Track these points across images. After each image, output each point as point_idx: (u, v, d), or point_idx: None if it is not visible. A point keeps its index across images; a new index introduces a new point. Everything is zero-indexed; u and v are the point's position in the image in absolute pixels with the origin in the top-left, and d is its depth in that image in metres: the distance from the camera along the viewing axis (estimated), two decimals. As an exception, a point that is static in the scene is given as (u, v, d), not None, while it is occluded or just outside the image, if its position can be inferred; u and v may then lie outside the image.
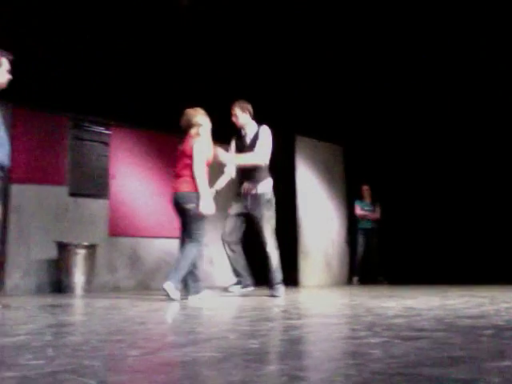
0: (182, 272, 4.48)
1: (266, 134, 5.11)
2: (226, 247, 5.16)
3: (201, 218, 4.66)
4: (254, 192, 5.08)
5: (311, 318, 2.94)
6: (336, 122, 8.58)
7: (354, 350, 1.75)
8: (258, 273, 5.37)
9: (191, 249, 4.57)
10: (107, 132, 7.47)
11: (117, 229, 7.33)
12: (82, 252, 6.40)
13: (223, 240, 5.18)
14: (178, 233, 7.42)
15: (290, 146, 8.26)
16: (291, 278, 7.87)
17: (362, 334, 2.11)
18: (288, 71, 7.74)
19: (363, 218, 8.68)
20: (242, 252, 5.21)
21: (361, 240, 8.68)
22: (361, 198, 8.85)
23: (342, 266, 8.77)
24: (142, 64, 7.18)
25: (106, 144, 7.44)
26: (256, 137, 5.14)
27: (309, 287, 7.55)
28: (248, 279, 5.19)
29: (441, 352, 1.65)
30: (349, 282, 8.65)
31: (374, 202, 8.79)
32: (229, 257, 5.18)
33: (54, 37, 6.38)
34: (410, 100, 8.22)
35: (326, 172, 8.76)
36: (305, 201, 8.22)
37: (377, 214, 8.73)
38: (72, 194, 7.01)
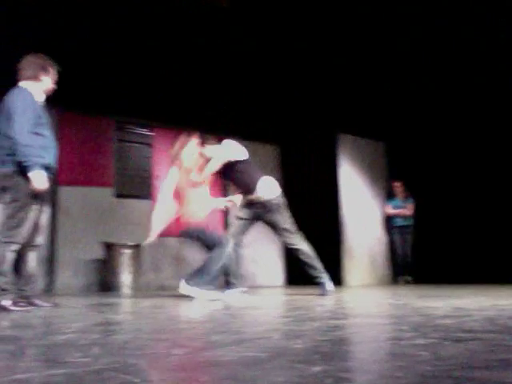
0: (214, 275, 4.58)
1: (218, 150, 5.23)
2: (231, 249, 5.14)
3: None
4: (260, 200, 5.07)
5: (356, 318, 2.89)
6: (378, 118, 8.44)
7: (400, 351, 1.70)
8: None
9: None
10: (150, 133, 7.58)
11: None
12: (127, 252, 6.52)
13: (228, 240, 5.19)
14: (220, 233, 7.42)
15: (333, 144, 8.19)
16: (335, 277, 7.80)
17: (409, 334, 2.05)
18: (329, 69, 7.67)
19: (395, 215, 8.49)
20: (240, 256, 5.22)
21: (397, 238, 8.49)
22: (392, 195, 8.65)
23: (387, 265, 8.62)
24: (184, 66, 7.25)
25: (150, 145, 7.56)
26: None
27: (353, 287, 7.46)
28: (240, 282, 5.17)
29: (493, 354, 1.58)
30: (394, 281, 8.50)
31: (406, 199, 8.56)
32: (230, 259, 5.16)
33: (98, 41, 6.52)
34: (452, 96, 8.00)
35: (369, 169, 8.64)
36: (348, 199, 8.13)
37: (408, 211, 8.51)
38: (117, 195, 7.16)
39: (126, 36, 6.57)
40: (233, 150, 5.17)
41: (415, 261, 8.39)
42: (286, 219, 5.03)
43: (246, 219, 5.18)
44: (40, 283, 6.46)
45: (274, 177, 8.64)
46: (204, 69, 7.38)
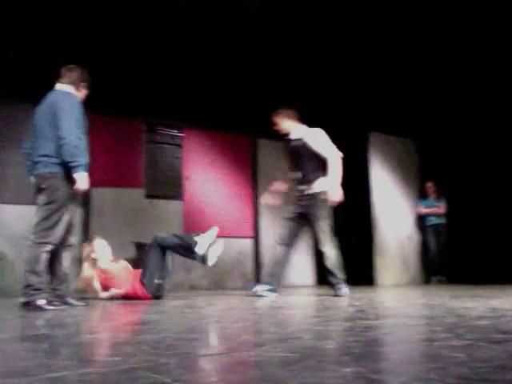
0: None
1: (315, 136, 5.09)
2: (278, 249, 5.16)
3: None
4: (309, 192, 5.03)
5: (388, 319, 2.85)
6: (409, 116, 8.31)
7: (434, 352, 1.67)
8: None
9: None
10: (180, 134, 7.64)
11: (191, 229, 7.47)
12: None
13: (278, 242, 5.23)
14: (252, 233, 7.50)
15: (364, 142, 8.11)
16: (367, 276, 7.73)
17: (444, 335, 2.01)
18: (359, 67, 7.59)
19: (428, 214, 8.37)
20: (288, 257, 5.17)
21: (431, 237, 8.36)
22: (425, 195, 8.53)
23: (419, 264, 8.50)
24: (213, 66, 7.28)
25: (179, 146, 7.62)
26: (302, 140, 5.10)
27: (385, 286, 7.37)
28: (279, 285, 5.13)
29: (531, 356, 1.53)
30: (427, 281, 8.37)
31: (439, 199, 8.43)
32: (274, 257, 5.18)
33: (127, 44, 6.59)
34: (487, 94, 7.82)
35: (401, 168, 8.52)
36: (380, 198, 8.04)
37: (440, 210, 8.37)
38: (148, 196, 7.23)
39: (155, 38, 6.63)
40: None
41: (448, 260, 8.25)
42: (325, 219, 4.96)
43: (293, 218, 5.15)
44: (73, 283, 6.58)
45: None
46: (234, 69, 7.39)
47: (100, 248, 5.12)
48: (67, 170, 3.68)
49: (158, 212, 7.28)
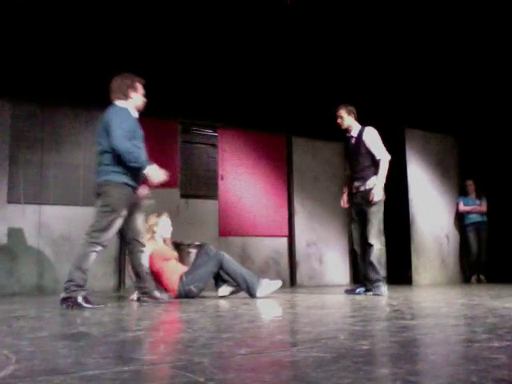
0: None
1: (372, 135, 5.18)
2: (356, 251, 5.27)
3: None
4: (362, 189, 5.14)
5: (426, 319, 2.79)
6: (447, 111, 8.13)
7: (474, 354, 1.62)
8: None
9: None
10: (214, 134, 7.68)
11: (226, 228, 7.51)
12: (194, 251, 6.62)
13: (354, 247, 5.34)
14: (286, 232, 7.44)
15: (400, 139, 7.97)
16: (404, 276, 7.61)
17: (484, 336, 1.95)
18: (394, 62, 7.47)
19: (469, 212, 8.18)
20: (364, 259, 5.19)
21: (471, 235, 8.17)
22: (465, 194, 8.34)
23: (458, 263, 8.32)
24: (246, 65, 7.28)
25: (214, 146, 7.66)
26: (360, 137, 5.21)
27: (423, 286, 7.24)
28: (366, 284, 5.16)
29: None
30: (466, 280, 8.19)
31: (479, 197, 8.22)
32: (359, 260, 5.26)
33: (162, 45, 6.66)
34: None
35: (439, 165, 8.35)
36: (417, 196, 7.91)
37: (482, 208, 8.17)
38: (183, 196, 7.30)
39: (189, 38, 6.68)
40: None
41: (488, 259, 8.05)
42: (378, 216, 5.01)
43: (354, 219, 5.26)
44: (111, 282, 6.69)
45: (340, 175, 8.61)
46: (267, 68, 7.39)
47: (164, 224, 5.19)
48: (121, 177, 3.95)
49: (194, 211, 7.34)
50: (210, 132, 7.66)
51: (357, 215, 5.22)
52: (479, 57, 7.25)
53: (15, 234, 6.17)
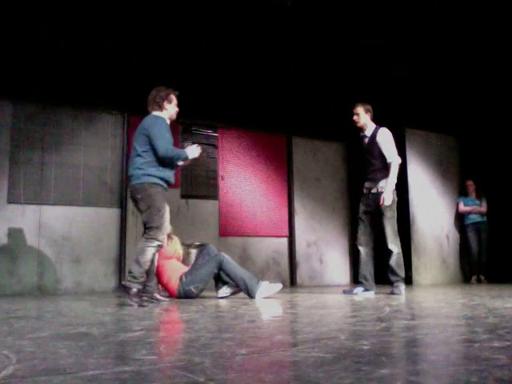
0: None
1: (386, 136, 5.19)
2: (360, 250, 5.25)
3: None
4: (374, 191, 5.15)
5: (426, 319, 2.79)
6: (448, 111, 8.12)
7: (475, 354, 1.62)
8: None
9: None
10: (215, 134, 7.67)
11: (227, 228, 7.51)
12: (194, 252, 6.62)
13: (356, 243, 5.32)
14: (286, 232, 7.42)
15: (400, 139, 7.95)
16: (404, 276, 7.59)
17: (484, 336, 1.95)
18: (394, 61, 7.47)
19: (469, 212, 8.17)
20: (372, 256, 5.25)
21: (471, 235, 8.16)
22: (465, 194, 8.33)
23: (458, 263, 8.31)
24: (246, 66, 7.29)
25: (215, 146, 7.65)
26: (373, 138, 5.21)
27: (423, 286, 7.24)
28: (371, 284, 5.21)
29: None
30: (466, 280, 8.18)
31: (479, 197, 8.22)
32: (360, 260, 5.24)
33: (163, 46, 6.66)
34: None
35: (439, 165, 8.35)
36: (417, 196, 7.90)
37: (482, 208, 8.17)
38: (183, 196, 7.29)
39: (187, 38, 6.68)
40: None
41: (488, 259, 8.05)
42: (392, 218, 5.05)
43: (363, 216, 5.25)
44: (111, 282, 6.69)
45: (340, 175, 8.61)
46: (267, 68, 7.39)
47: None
48: (153, 179, 4.18)
49: (194, 212, 7.34)
50: (210, 132, 7.65)
51: (364, 214, 5.22)
52: (479, 57, 7.25)
53: (15, 234, 6.16)
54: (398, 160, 5.13)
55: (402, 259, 5.07)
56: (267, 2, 6.26)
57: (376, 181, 5.14)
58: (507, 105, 7.85)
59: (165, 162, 4.25)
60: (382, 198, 4.98)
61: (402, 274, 5.05)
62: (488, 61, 7.31)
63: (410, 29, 6.78)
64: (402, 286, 4.99)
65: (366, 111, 5.28)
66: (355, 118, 5.30)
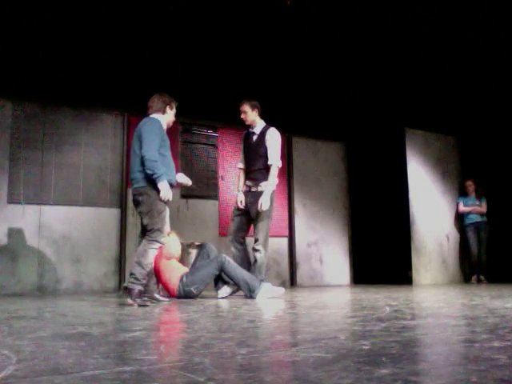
0: None
1: (274, 137, 5.15)
2: (232, 246, 5.17)
3: None
4: (253, 189, 5.12)
5: (426, 319, 2.79)
6: (448, 111, 8.12)
7: (475, 354, 1.62)
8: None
9: None
10: (215, 134, 7.67)
11: (227, 228, 7.49)
12: (194, 251, 6.62)
13: (229, 239, 5.23)
14: (286, 232, 7.39)
15: (400, 139, 7.96)
16: (404, 276, 7.60)
17: (484, 337, 1.95)
18: (395, 62, 7.47)
19: (469, 212, 8.17)
20: (246, 251, 5.21)
21: (471, 235, 8.16)
22: (465, 194, 8.33)
23: (459, 263, 8.31)
24: (247, 65, 7.28)
25: (214, 146, 7.65)
26: (262, 136, 5.16)
27: (423, 286, 7.24)
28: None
29: None
30: (466, 280, 8.18)
31: (479, 198, 8.21)
32: (233, 256, 5.11)
33: (165, 46, 6.66)
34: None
35: (439, 165, 8.35)
36: (417, 196, 7.90)
37: (482, 208, 8.16)
38: (183, 196, 7.28)
39: (187, 38, 6.68)
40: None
41: (488, 259, 8.05)
42: (266, 222, 5.08)
43: (240, 213, 5.22)
44: (111, 282, 6.69)
45: (340, 175, 8.61)
46: (267, 68, 7.39)
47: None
48: (153, 181, 4.19)
49: (194, 212, 7.34)
50: (210, 132, 7.65)
51: (244, 212, 5.12)
52: (479, 57, 7.25)
53: (15, 234, 6.16)
54: (279, 164, 5.09)
55: (266, 262, 5.05)
56: (267, 2, 6.26)
57: (257, 181, 5.09)
58: (507, 105, 7.85)
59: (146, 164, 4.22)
60: (259, 202, 4.91)
61: (262, 276, 4.95)
62: (488, 61, 7.31)
63: (410, 29, 6.78)
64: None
65: (253, 108, 5.22)
66: (243, 116, 5.24)
